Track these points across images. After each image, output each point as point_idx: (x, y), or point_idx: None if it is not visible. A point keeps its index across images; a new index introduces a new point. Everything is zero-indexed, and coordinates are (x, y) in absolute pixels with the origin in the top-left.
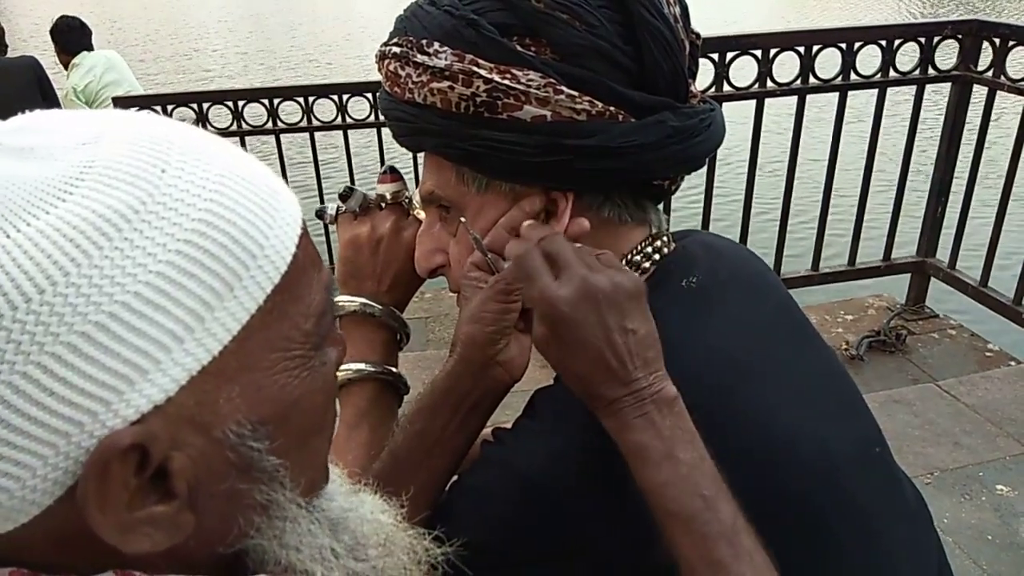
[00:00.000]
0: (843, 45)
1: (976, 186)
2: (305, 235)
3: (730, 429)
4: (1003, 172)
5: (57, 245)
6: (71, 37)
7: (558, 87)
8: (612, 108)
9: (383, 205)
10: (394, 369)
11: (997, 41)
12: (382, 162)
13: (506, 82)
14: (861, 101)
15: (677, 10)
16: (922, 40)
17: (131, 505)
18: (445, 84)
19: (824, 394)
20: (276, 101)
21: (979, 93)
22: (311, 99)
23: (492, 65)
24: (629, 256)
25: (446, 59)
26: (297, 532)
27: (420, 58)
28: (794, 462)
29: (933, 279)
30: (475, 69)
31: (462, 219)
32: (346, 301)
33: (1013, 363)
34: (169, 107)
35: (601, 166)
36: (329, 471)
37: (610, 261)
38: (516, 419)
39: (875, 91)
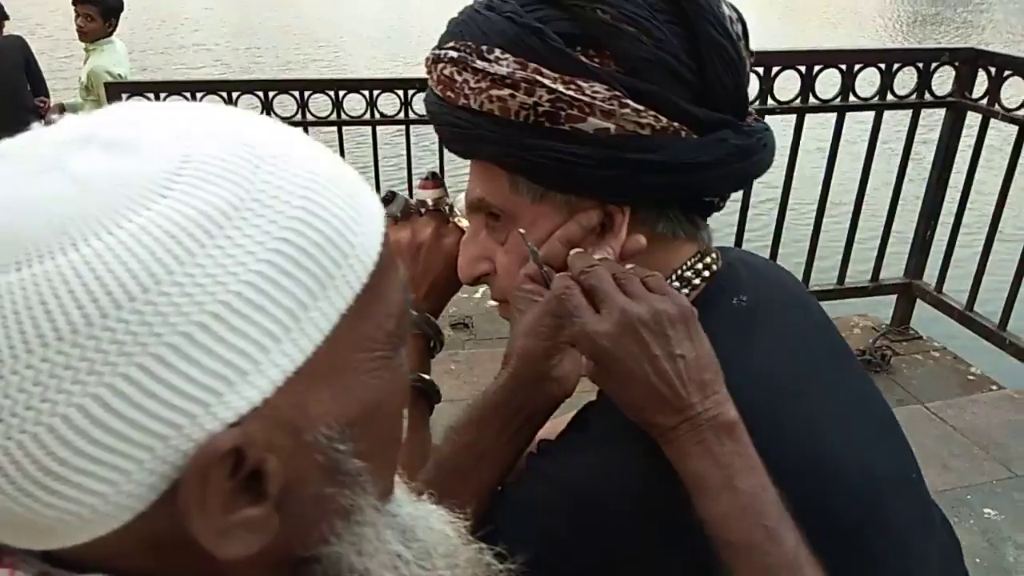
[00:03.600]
0: (843, 66)
1: (966, 212)
2: (386, 236)
3: (779, 450)
4: (993, 199)
5: (160, 242)
6: (116, 8)
7: (623, 100)
8: (676, 124)
9: (423, 211)
10: (427, 377)
11: (993, 70)
12: (409, 160)
13: (570, 93)
14: (857, 122)
15: (739, 28)
16: (920, 65)
17: (226, 509)
18: (506, 92)
19: (864, 416)
20: (307, 94)
21: (973, 120)
22: (341, 94)
23: (556, 75)
24: (680, 271)
25: (508, 66)
26: (374, 538)
27: (479, 64)
28: (840, 486)
29: (919, 301)
30: (538, 78)
31: (520, 231)
32: None
33: (995, 387)
34: (162, 95)
35: (662, 181)
36: (394, 482)
37: (657, 285)
38: (564, 432)
39: (872, 113)
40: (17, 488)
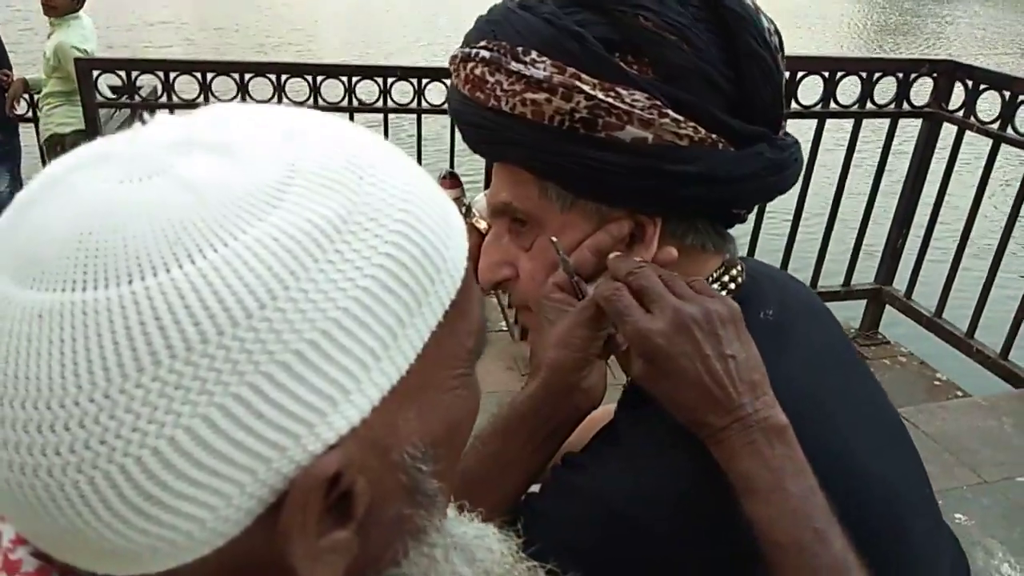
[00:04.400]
0: (825, 73)
1: (938, 221)
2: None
3: (812, 465)
4: (965, 210)
5: (276, 256)
6: None
7: (663, 110)
8: (713, 136)
9: None
10: None
11: (970, 83)
12: (419, 150)
13: (609, 100)
14: (830, 132)
15: (776, 40)
16: (900, 75)
17: (320, 532)
18: (542, 96)
19: (884, 431)
20: (284, 78)
21: (949, 131)
22: (354, 79)
23: (596, 81)
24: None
25: (545, 69)
26: (442, 559)
27: (515, 66)
28: (866, 499)
29: (888, 307)
30: (577, 84)
31: (552, 239)
32: None
33: (960, 393)
34: (133, 73)
35: (697, 194)
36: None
37: (702, 287)
38: (592, 444)
39: (850, 121)
40: (113, 514)
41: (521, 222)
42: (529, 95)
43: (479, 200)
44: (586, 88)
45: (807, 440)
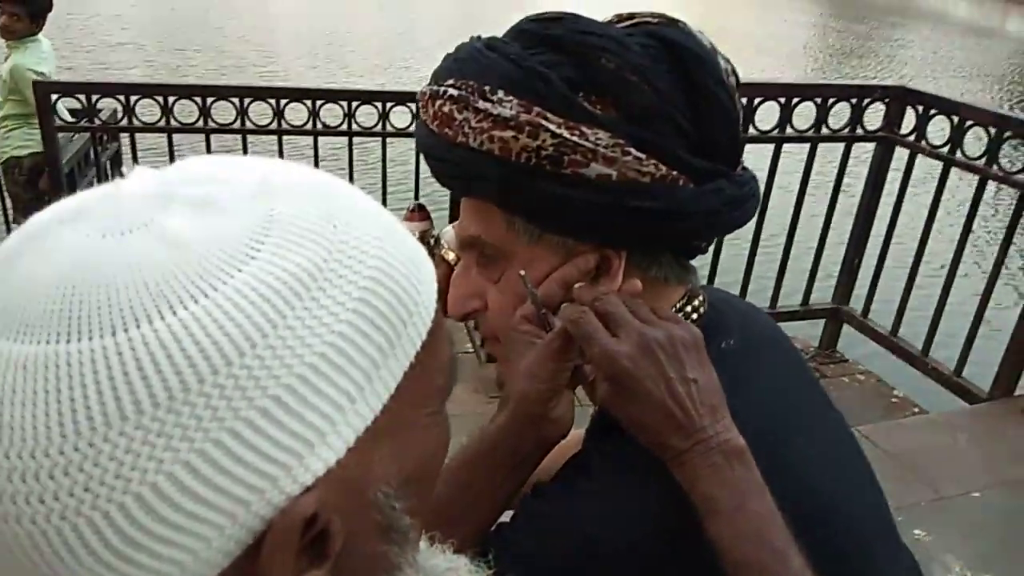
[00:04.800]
0: (782, 100)
1: (892, 242)
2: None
3: (777, 492)
4: (919, 231)
5: (255, 305)
6: (45, 8)
7: (626, 148)
8: (675, 173)
9: None
10: None
11: (920, 108)
12: (351, 173)
13: (574, 138)
14: (788, 155)
15: (733, 80)
16: (853, 101)
17: (296, 572)
18: (509, 134)
19: (846, 457)
20: (247, 101)
21: (901, 154)
22: (318, 103)
23: (561, 120)
24: None
25: (512, 108)
26: None
27: (482, 104)
28: (829, 521)
29: (846, 325)
30: (543, 122)
31: (521, 272)
32: None
33: (916, 409)
34: (94, 97)
35: (660, 228)
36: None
37: (666, 314)
38: (562, 473)
39: (806, 146)
40: (97, 559)
41: (489, 255)
42: (497, 132)
43: (447, 232)
44: (552, 127)
45: (769, 466)
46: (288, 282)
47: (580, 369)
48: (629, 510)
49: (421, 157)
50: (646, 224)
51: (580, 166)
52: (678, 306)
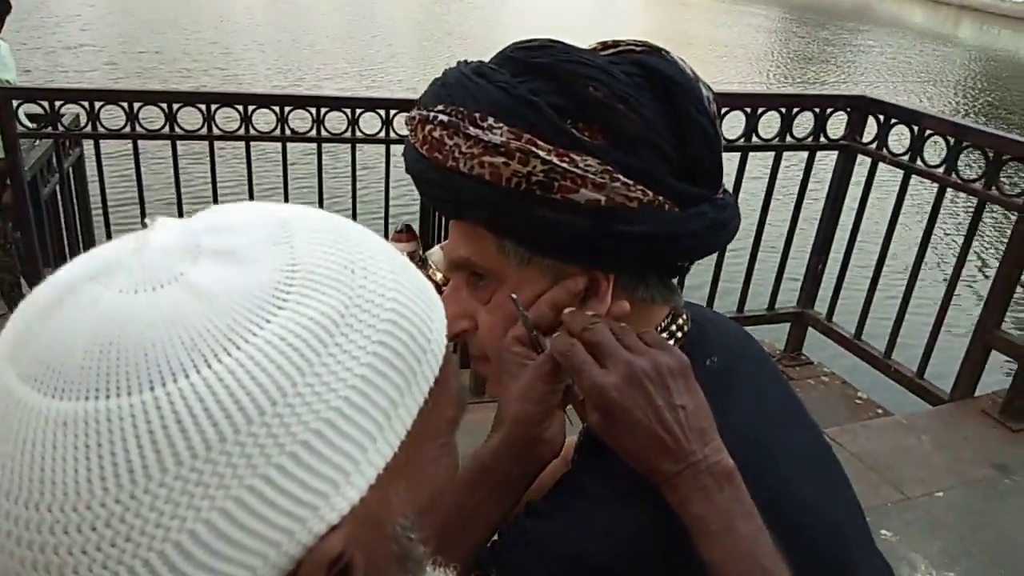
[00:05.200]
0: (748, 109)
1: (855, 247)
2: None
3: (767, 506)
4: (881, 236)
5: (284, 355)
6: (3, 10)
7: (614, 174)
8: (660, 198)
9: None
10: None
11: (881, 117)
12: (320, 179)
13: (564, 165)
14: (755, 162)
15: (714, 107)
16: (816, 110)
17: None
18: (499, 159)
19: (825, 470)
20: (214, 107)
21: (863, 162)
22: (286, 109)
23: (551, 147)
24: None
25: (502, 135)
26: None
27: (472, 131)
28: (813, 535)
29: (811, 329)
30: (533, 149)
31: (513, 296)
32: None
33: (880, 411)
34: (56, 102)
35: (646, 251)
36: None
37: (654, 340)
38: (554, 492)
39: (771, 154)
40: None
41: (479, 276)
42: (487, 158)
43: (435, 252)
44: (542, 154)
45: (754, 482)
46: (314, 330)
47: (570, 388)
48: (622, 527)
49: (390, 160)
50: (634, 247)
51: (570, 192)
52: (664, 324)
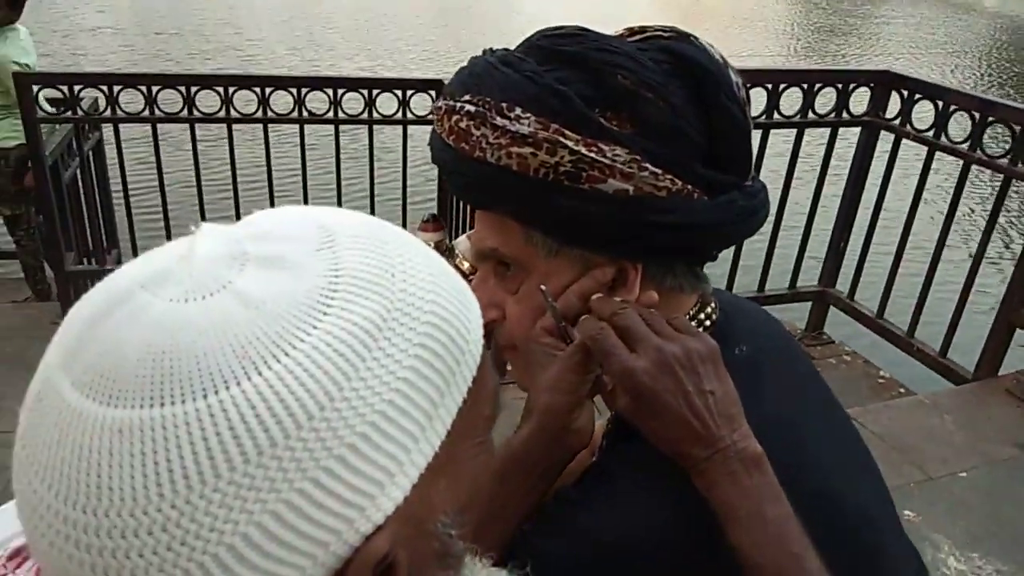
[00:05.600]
0: (769, 85)
1: (877, 225)
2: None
3: (793, 498)
4: (904, 214)
5: (331, 360)
6: None
7: (643, 164)
8: (690, 186)
9: None
10: None
11: (905, 93)
12: (371, 161)
13: (592, 155)
14: (781, 138)
15: (744, 93)
16: (839, 86)
17: None
18: (527, 150)
19: (854, 456)
20: (232, 90)
21: (886, 138)
22: (303, 90)
23: (579, 137)
24: None
25: (529, 126)
26: None
27: (500, 121)
28: (844, 524)
29: (832, 308)
30: (561, 139)
31: (542, 288)
32: None
33: (903, 390)
34: (76, 87)
35: (675, 240)
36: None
37: (683, 325)
38: (585, 478)
39: (793, 131)
40: None
41: (506, 266)
42: (515, 149)
43: (461, 242)
44: (569, 144)
45: (785, 471)
46: (358, 335)
47: (599, 379)
48: (652, 513)
49: (407, 141)
50: (662, 237)
51: (598, 182)
52: (692, 313)
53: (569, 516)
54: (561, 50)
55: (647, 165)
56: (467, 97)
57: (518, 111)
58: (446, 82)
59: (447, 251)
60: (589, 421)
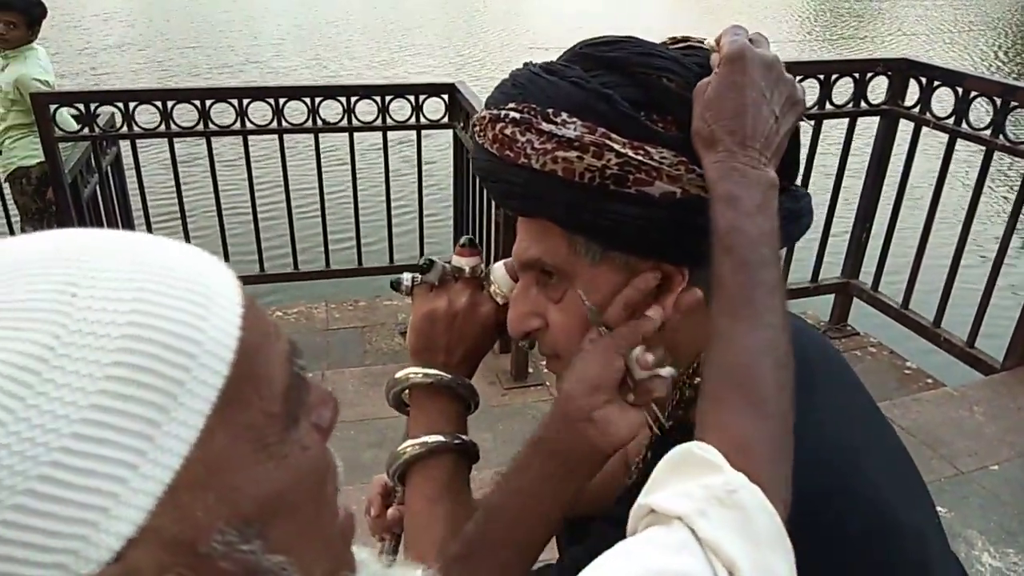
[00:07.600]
0: None
1: (900, 215)
2: (251, 308)
3: (849, 512)
4: (926, 202)
5: None
6: (41, 15)
7: (690, 166)
8: None
9: (457, 277)
10: (466, 438)
11: (924, 80)
12: (386, 164)
13: (639, 158)
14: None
15: None
16: (856, 75)
17: None
18: (573, 154)
19: (904, 471)
20: (246, 102)
21: (906, 127)
22: (317, 99)
23: (625, 140)
24: None
25: (576, 130)
26: None
27: (546, 127)
28: (900, 548)
29: (856, 299)
30: (608, 143)
31: (586, 302)
32: (418, 373)
33: (930, 381)
34: (92, 104)
35: None
36: (352, 557)
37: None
38: (621, 503)
39: (812, 122)
40: None
41: (549, 274)
42: (560, 153)
43: (497, 269)
44: (616, 147)
45: (843, 492)
46: (11, 374)
47: (641, 385)
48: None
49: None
50: (709, 240)
51: (644, 184)
52: None
53: (612, 537)
54: (606, 56)
55: (694, 167)
56: (512, 105)
57: (564, 116)
58: (457, 85)
59: (484, 276)
60: (618, 418)
